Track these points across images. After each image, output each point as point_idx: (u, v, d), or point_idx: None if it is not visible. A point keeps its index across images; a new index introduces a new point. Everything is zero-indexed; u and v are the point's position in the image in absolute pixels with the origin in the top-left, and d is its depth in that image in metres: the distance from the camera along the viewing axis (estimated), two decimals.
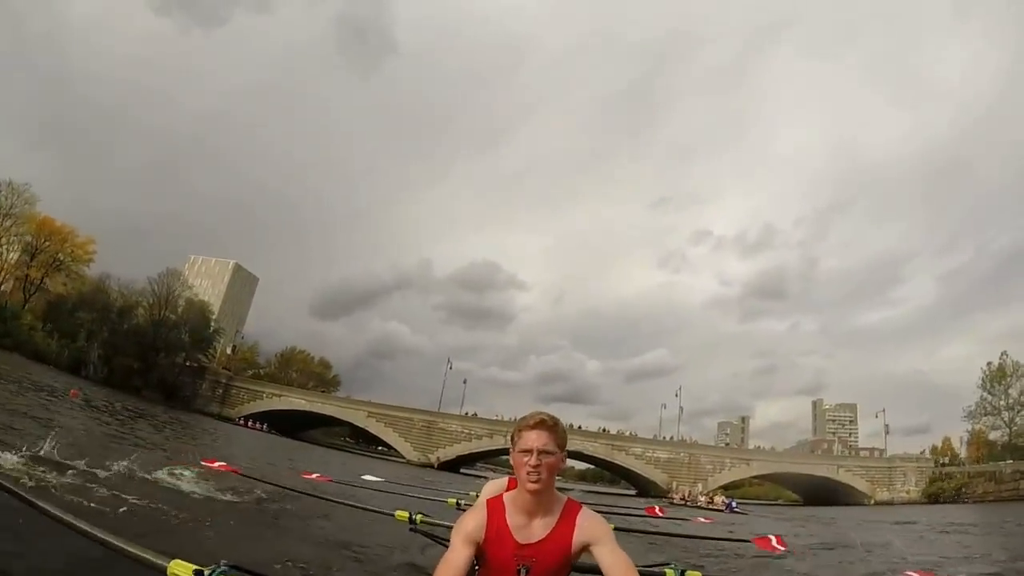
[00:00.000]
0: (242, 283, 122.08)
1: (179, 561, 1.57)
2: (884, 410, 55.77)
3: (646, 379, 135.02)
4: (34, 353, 41.53)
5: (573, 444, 45.16)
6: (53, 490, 5.06)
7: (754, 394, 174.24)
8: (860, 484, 47.46)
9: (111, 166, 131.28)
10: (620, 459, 49.84)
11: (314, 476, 7.75)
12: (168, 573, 1.56)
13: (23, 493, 2.10)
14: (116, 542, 1.73)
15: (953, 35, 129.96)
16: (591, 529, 1.79)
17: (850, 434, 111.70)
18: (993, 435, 49.58)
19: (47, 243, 50.87)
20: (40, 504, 2.00)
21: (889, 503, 43.89)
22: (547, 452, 1.75)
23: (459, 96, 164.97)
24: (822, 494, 49.45)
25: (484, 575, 1.84)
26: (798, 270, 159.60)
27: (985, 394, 50.06)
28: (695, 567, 2.71)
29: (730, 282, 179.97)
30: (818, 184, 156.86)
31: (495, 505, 1.86)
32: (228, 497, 7.10)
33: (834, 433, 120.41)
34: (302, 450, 32.49)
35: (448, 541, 1.84)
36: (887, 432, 55.25)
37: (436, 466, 46.74)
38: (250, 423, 50.04)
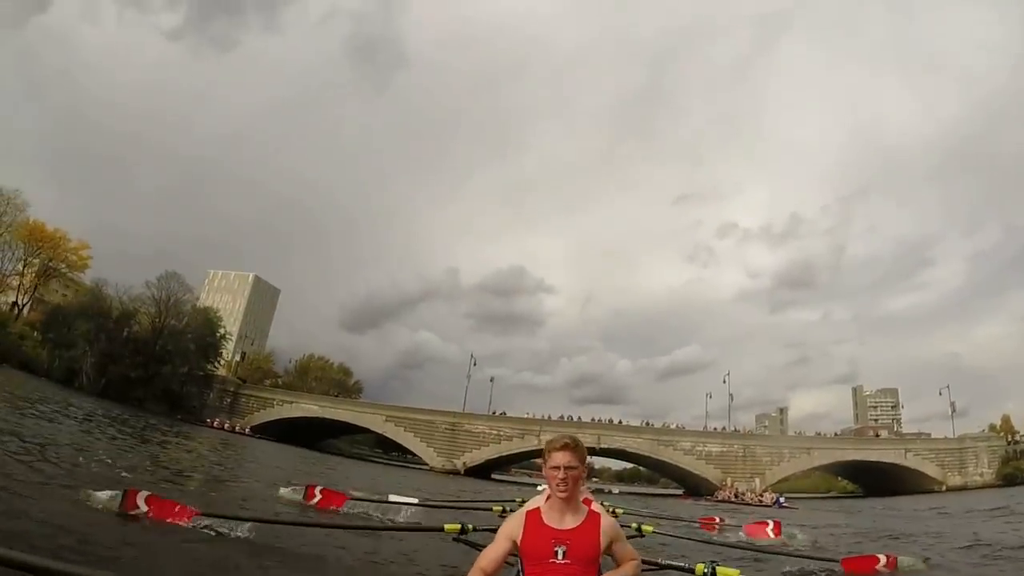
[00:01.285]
0: (262, 296, 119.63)
1: None
2: (948, 386, 50.32)
3: (678, 376, 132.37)
4: (23, 364, 37.99)
5: (614, 442, 40.11)
6: None
7: (788, 386, 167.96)
8: (930, 469, 43.32)
9: (130, 192, 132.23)
10: (667, 455, 44.74)
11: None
12: None
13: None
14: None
15: (961, 13, 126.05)
16: (609, 530, 2.31)
17: (893, 420, 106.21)
18: None
19: (39, 250, 47.76)
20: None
21: (963, 488, 40.46)
22: (571, 467, 2.24)
23: (473, 103, 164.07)
24: (886, 482, 44.82)
25: (527, 563, 2.22)
26: (826, 258, 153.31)
27: None
28: (726, 565, 2.83)
29: (758, 274, 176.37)
30: (839, 171, 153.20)
31: (532, 512, 2.33)
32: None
33: (876, 420, 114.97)
34: (310, 463, 27.73)
35: None
36: (953, 411, 49.46)
37: (463, 472, 42.25)
38: (243, 431, 45.67)
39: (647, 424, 45.86)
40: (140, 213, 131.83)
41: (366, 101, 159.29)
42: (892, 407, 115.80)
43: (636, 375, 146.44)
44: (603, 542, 2.24)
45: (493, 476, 45.48)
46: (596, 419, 45.03)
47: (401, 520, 7.39)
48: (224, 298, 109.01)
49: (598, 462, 74.53)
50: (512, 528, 2.27)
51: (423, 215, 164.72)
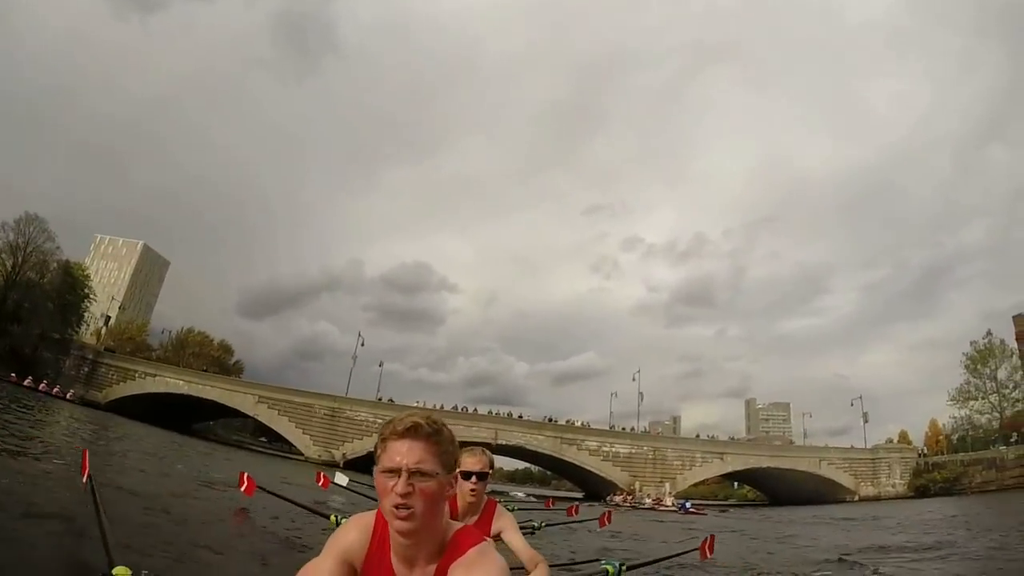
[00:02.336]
0: (151, 266, 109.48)
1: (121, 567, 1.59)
2: (860, 397, 49.66)
3: (574, 381, 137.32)
4: None
5: (513, 438, 36.07)
6: None
7: (681, 397, 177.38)
8: (844, 479, 42.73)
9: (34, 145, 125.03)
10: (572, 455, 41.16)
11: None
12: None
13: None
14: None
15: (883, 71, 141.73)
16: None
17: (783, 432, 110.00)
18: (981, 419, 46.16)
19: None
20: None
21: (876, 498, 39.90)
22: (422, 474, 1.18)
23: (401, 101, 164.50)
24: (798, 491, 43.44)
25: None
26: (726, 279, 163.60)
27: (970, 376, 46.44)
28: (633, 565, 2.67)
29: (659, 288, 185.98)
30: (748, 198, 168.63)
31: (385, 525, 1.27)
32: None
33: (767, 432, 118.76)
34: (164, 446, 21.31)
35: None
36: (865, 421, 48.36)
37: (341, 464, 37.16)
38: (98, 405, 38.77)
39: (550, 420, 41.96)
40: (39, 169, 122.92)
41: (290, 84, 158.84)
42: (783, 420, 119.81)
43: (533, 378, 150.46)
44: None
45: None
46: (495, 412, 40.82)
47: None
48: (110, 266, 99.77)
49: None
50: (351, 545, 1.28)
51: (334, 204, 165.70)
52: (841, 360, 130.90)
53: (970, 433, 46.51)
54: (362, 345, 44.49)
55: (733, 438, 51.97)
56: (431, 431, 1.20)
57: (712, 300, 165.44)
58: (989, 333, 46.75)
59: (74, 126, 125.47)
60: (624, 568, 2.78)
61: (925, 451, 46.31)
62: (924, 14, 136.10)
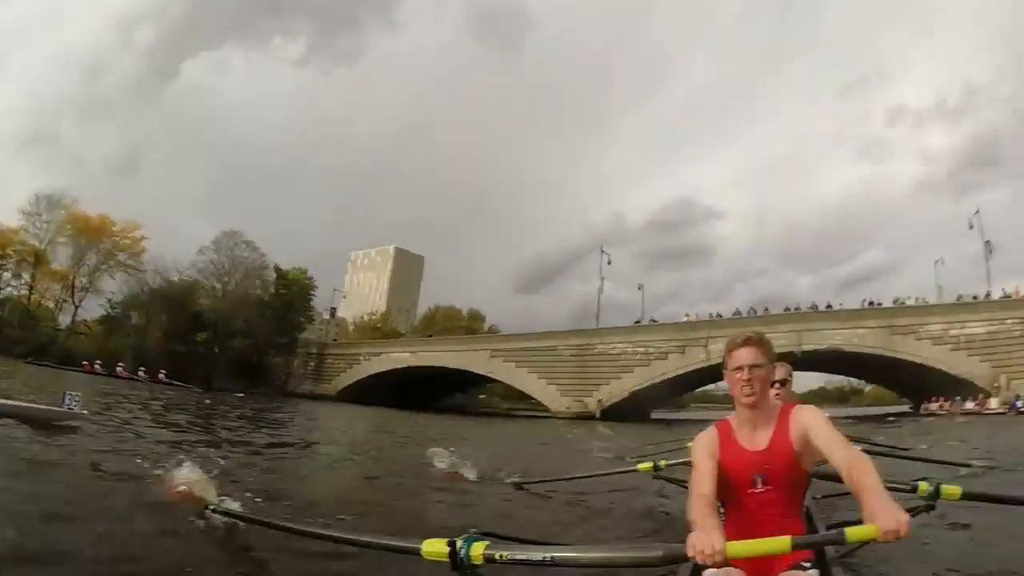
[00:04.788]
0: (406, 266, 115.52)
1: (430, 540, 1.67)
2: None
3: (866, 284, 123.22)
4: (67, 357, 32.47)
5: (823, 339, 25.23)
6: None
7: (980, 280, 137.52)
8: None
9: (294, 205, 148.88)
10: (909, 350, 29.46)
11: None
12: (423, 553, 1.66)
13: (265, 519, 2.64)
14: (368, 539, 2.00)
15: None
16: (804, 419, 1.80)
17: None
18: None
19: (84, 239, 42.79)
20: (278, 523, 2.50)
21: None
22: (758, 366, 1.82)
23: (606, 48, 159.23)
24: None
25: (723, 494, 1.81)
26: (1011, 127, 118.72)
27: None
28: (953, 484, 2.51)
29: (936, 158, 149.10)
30: (1012, 19, 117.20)
31: (723, 425, 1.94)
32: None
33: None
34: (389, 424, 17.40)
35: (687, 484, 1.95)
36: None
37: (598, 415, 31.02)
38: (325, 396, 37.80)
39: (873, 304, 30.25)
40: (301, 221, 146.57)
41: (499, 70, 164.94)
42: None
43: (820, 290, 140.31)
44: (797, 445, 1.77)
45: (654, 416, 33.69)
46: (792, 309, 30.47)
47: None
48: (368, 275, 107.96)
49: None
50: (708, 443, 1.89)
51: (579, 167, 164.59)
52: None
53: None
54: (609, 264, 37.24)
55: None
56: (759, 339, 1.86)
57: (1000, 158, 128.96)
58: None
59: (325, 180, 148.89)
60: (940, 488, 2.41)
61: None
62: None
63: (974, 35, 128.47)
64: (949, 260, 33.95)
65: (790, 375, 2.92)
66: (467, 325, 56.09)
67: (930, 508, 2.31)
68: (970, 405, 26.60)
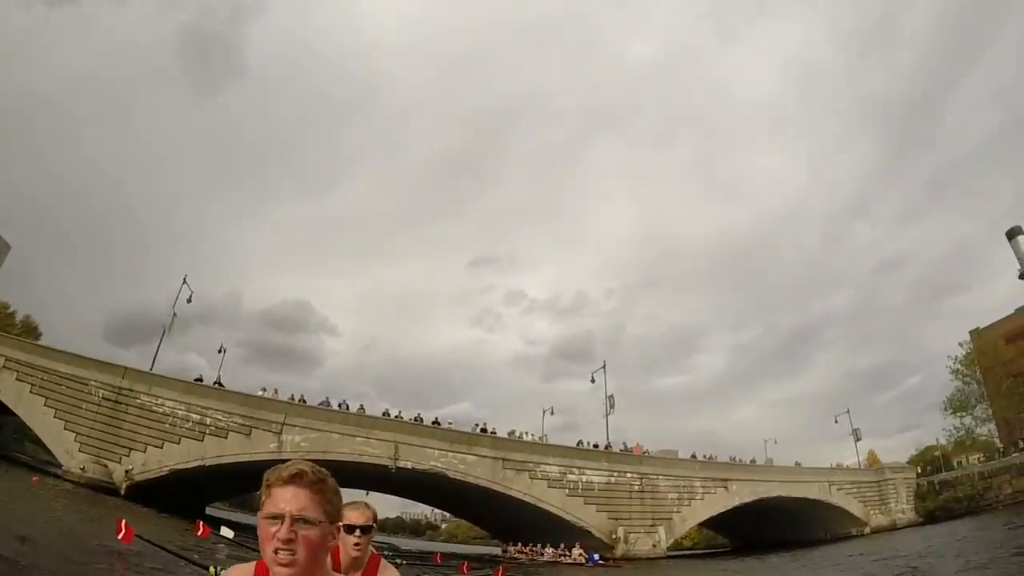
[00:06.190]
0: None
1: None
2: (848, 411, 42.39)
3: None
4: None
5: (424, 457, 19.90)
6: None
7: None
8: (855, 507, 34.98)
9: None
10: (521, 487, 26.08)
11: None
12: None
13: None
14: None
15: (764, 147, 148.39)
16: None
17: None
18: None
19: None
20: None
21: (891, 529, 33.76)
22: (306, 521, 1.15)
23: (297, 133, 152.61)
24: (794, 530, 35.01)
25: None
26: (605, 336, 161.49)
27: (960, 383, 40.82)
28: None
29: (538, 342, 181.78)
30: (630, 261, 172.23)
31: (266, 575, 1.20)
32: None
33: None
34: None
35: None
36: (857, 439, 41.69)
37: (123, 492, 21.44)
38: None
39: (483, 431, 26.34)
40: None
41: (186, 100, 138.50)
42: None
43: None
44: None
45: (209, 511, 24.61)
46: (394, 415, 24.87)
47: None
48: None
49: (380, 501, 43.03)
50: None
51: (217, 232, 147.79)
52: (711, 416, 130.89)
53: (968, 443, 42.46)
54: (189, 301, 27.77)
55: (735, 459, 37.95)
56: (316, 479, 1.17)
57: (591, 356, 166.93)
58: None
59: None
60: None
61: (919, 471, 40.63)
62: (808, 99, 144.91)
63: (596, 261, 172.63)
64: (530, 428, 33.81)
65: (374, 519, 2.16)
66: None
67: None
68: (550, 552, 25.66)
